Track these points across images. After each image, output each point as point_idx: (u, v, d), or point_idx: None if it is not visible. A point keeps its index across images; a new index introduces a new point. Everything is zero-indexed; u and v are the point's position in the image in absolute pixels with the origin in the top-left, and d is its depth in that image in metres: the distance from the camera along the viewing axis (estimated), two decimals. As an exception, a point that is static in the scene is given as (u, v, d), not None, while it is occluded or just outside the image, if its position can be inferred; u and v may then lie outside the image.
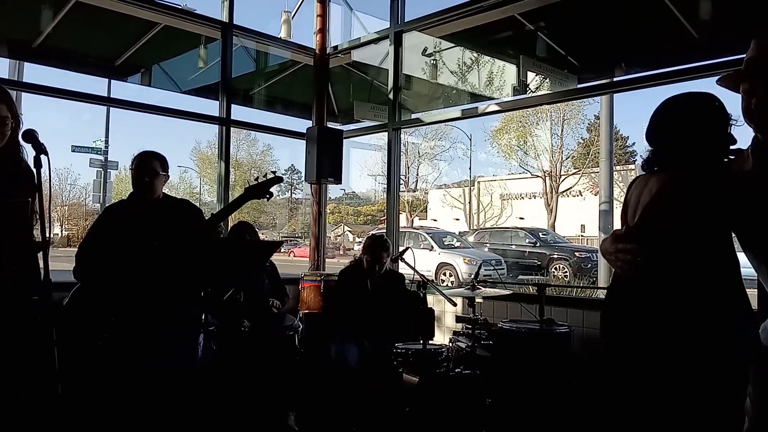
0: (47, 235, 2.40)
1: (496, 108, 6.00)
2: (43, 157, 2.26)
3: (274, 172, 3.36)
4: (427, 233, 18.03)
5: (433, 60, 6.67)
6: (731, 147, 2.00)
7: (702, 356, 1.95)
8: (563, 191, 28.30)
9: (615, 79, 5.33)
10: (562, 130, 28.14)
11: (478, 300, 4.38)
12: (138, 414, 2.92)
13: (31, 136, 2.31)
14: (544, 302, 3.91)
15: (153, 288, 2.97)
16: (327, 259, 6.90)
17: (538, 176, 28.97)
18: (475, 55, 6.65)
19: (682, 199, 1.98)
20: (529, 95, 5.85)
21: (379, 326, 4.30)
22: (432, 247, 16.88)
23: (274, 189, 3.39)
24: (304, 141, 6.27)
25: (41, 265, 2.40)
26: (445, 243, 17.71)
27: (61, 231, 34.35)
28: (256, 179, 3.35)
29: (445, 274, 16.30)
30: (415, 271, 4.28)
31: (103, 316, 2.94)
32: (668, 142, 2.08)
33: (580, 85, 5.83)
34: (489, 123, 29.89)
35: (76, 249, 3.28)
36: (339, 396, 3.95)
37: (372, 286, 4.54)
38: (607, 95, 10.97)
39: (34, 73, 7.16)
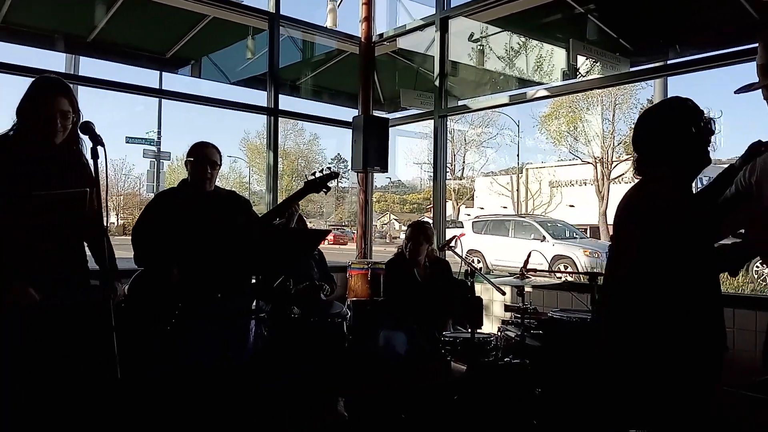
0: (104, 224, 2.48)
1: (545, 93, 5.88)
2: (99, 148, 2.31)
3: (330, 168, 3.48)
4: (537, 222, 16.19)
5: (480, 46, 6.59)
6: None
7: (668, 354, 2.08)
8: (615, 178, 27.58)
9: (669, 62, 5.15)
10: (614, 115, 27.36)
11: (528, 289, 4.33)
12: (191, 398, 3.00)
13: (88, 127, 2.37)
14: (596, 291, 3.84)
15: (216, 276, 3.07)
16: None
17: (588, 162, 28.30)
18: (523, 39, 6.52)
19: (644, 205, 2.13)
20: (580, 80, 5.72)
21: (428, 314, 4.30)
22: (544, 237, 15.10)
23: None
24: (351, 130, 6.29)
25: (106, 253, 2.47)
26: (555, 233, 15.75)
27: (117, 220, 35.45)
28: (313, 174, 3.49)
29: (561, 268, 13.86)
30: (463, 259, 4.25)
31: (169, 302, 3.03)
32: (641, 152, 2.25)
33: (632, 69, 5.66)
34: (537, 109, 29.43)
35: (130, 235, 3.38)
36: (387, 383, 3.97)
37: (419, 275, 4.54)
38: (661, 79, 10.62)
39: (89, 66, 7.43)
